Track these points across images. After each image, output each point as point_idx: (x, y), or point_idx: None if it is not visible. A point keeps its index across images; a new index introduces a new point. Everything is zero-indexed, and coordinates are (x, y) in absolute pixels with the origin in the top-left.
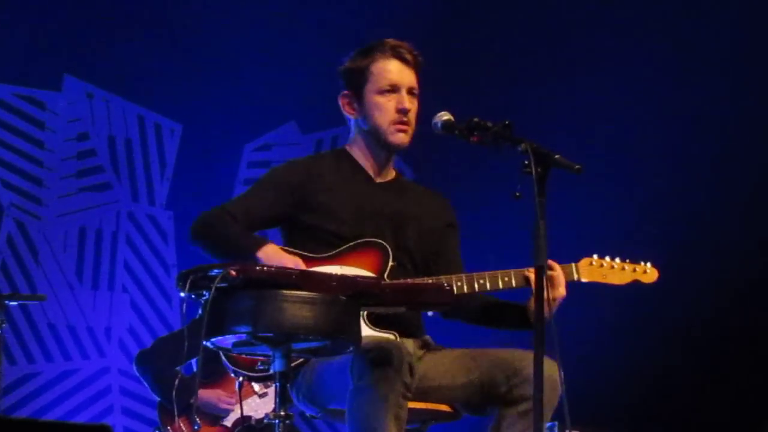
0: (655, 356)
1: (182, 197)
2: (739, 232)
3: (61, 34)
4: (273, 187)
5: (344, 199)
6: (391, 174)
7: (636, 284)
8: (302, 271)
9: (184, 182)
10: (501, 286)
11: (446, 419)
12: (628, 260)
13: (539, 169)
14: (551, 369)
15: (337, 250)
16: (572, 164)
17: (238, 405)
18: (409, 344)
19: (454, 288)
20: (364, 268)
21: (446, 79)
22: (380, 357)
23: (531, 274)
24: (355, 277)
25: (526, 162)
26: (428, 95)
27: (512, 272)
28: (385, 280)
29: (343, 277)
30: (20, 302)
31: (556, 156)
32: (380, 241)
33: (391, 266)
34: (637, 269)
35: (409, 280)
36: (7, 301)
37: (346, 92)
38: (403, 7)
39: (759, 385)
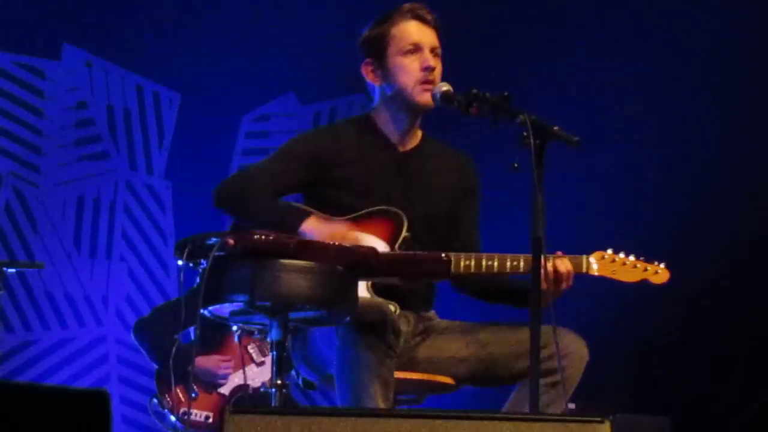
0: (657, 337)
1: (180, 167)
2: (745, 227)
3: (61, 2)
4: (298, 158)
5: (366, 170)
6: (417, 139)
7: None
8: (300, 241)
9: (183, 152)
10: (509, 269)
11: (444, 390)
12: (642, 258)
13: (537, 142)
14: (579, 345)
15: (352, 215)
16: (571, 137)
17: (236, 373)
18: (410, 317)
19: (462, 265)
20: (376, 236)
21: (447, 52)
22: (363, 319)
23: (549, 267)
24: (352, 247)
25: (525, 134)
26: None
27: (521, 257)
28: (394, 249)
29: (340, 247)
30: (18, 270)
31: (555, 128)
32: (396, 210)
33: (404, 237)
34: (648, 269)
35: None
36: (4, 269)
37: (368, 60)
38: None
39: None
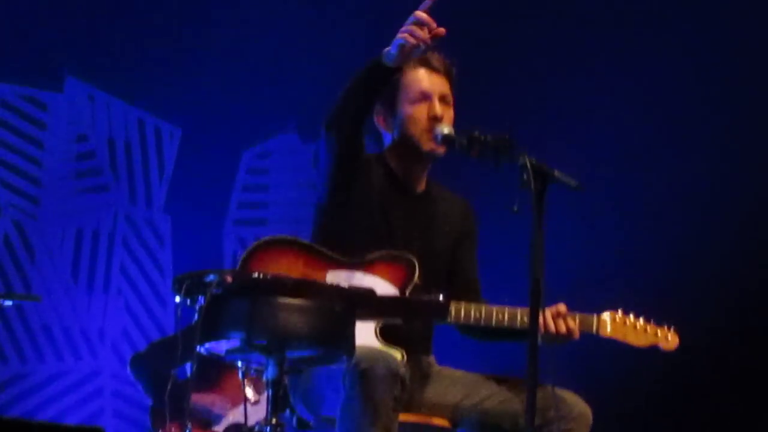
0: (659, 396)
1: (180, 201)
2: (746, 275)
3: (64, 35)
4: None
5: (382, 208)
6: (424, 183)
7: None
8: (298, 279)
9: (183, 186)
10: (519, 325)
11: None
12: (652, 321)
13: (538, 184)
14: (583, 408)
15: (366, 257)
16: (571, 180)
17: (231, 411)
18: (413, 362)
19: (471, 315)
20: (387, 280)
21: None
22: (372, 368)
23: (548, 316)
24: (349, 288)
25: (525, 176)
26: None
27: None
28: (404, 294)
29: (337, 287)
30: (15, 302)
31: (555, 171)
32: (410, 257)
33: (416, 284)
34: (659, 333)
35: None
36: (1, 301)
37: (380, 110)
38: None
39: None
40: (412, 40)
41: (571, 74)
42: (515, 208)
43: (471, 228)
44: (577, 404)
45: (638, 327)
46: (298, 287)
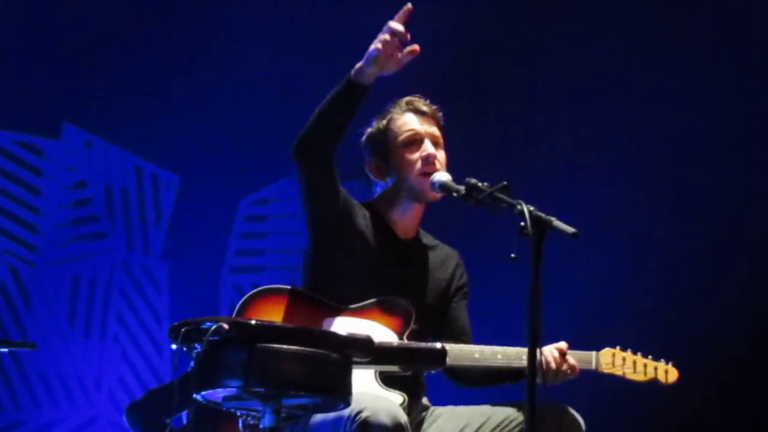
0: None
1: (177, 248)
2: (746, 316)
3: (61, 81)
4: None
5: (371, 255)
6: (414, 231)
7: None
8: (295, 327)
9: (180, 233)
10: (518, 364)
11: None
12: (650, 357)
13: (536, 232)
14: (577, 416)
15: (361, 304)
16: (568, 228)
17: None
18: (413, 407)
19: (471, 356)
20: (385, 326)
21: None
22: (375, 416)
23: (549, 355)
24: (347, 336)
25: (523, 224)
26: None
27: (521, 351)
28: (402, 339)
29: (334, 335)
30: (11, 349)
31: (553, 219)
32: (406, 303)
33: (413, 328)
34: (658, 368)
35: (404, 342)
36: None
37: (372, 159)
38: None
39: None
40: (387, 50)
41: (569, 123)
42: (514, 256)
43: (462, 278)
44: (568, 411)
45: (637, 362)
46: (296, 335)
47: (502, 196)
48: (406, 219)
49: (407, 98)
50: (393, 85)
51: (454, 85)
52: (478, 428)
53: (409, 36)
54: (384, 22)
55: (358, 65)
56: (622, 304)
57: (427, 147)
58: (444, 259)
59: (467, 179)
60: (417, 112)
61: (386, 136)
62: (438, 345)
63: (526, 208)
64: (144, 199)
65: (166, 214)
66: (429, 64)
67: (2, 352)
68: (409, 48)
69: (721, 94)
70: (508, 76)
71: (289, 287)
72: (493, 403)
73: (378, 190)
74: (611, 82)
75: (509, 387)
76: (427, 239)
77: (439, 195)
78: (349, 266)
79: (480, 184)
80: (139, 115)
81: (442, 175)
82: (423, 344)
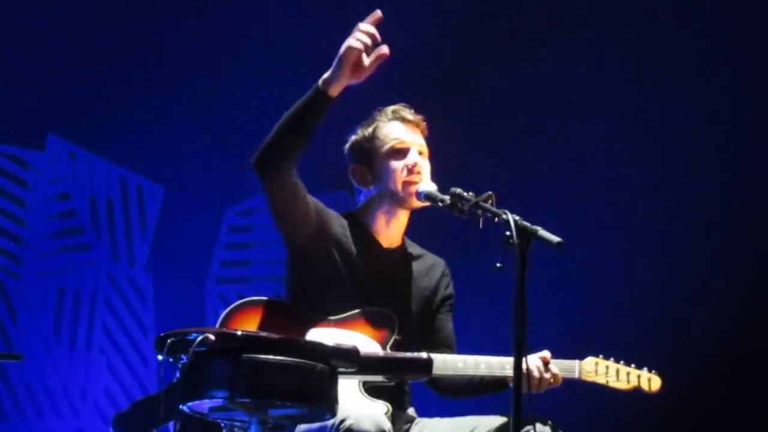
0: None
1: (162, 259)
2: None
3: (45, 93)
4: (311, 200)
5: (352, 265)
6: (399, 240)
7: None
8: (280, 338)
9: (165, 244)
10: (501, 374)
11: None
12: (633, 365)
13: (521, 242)
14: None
15: (344, 315)
16: (553, 238)
17: None
18: (397, 416)
19: (456, 365)
20: (369, 336)
21: (434, 150)
22: (358, 425)
23: (532, 364)
24: (333, 347)
25: (508, 233)
26: None
27: (504, 360)
28: (386, 350)
29: (320, 345)
30: None
31: (538, 229)
32: (389, 313)
33: (396, 339)
34: (641, 376)
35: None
36: None
37: (356, 165)
38: (395, 69)
39: None
40: (358, 45)
41: (555, 132)
42: (498, 265)
43: (448, 288)
44: (549, 423)
45: (620, 371)
46: (282, 345)
47: (487, 205)
48: (390, 227)
49: (393, 107)
50: (374, 93)
51: (437, 93)
52: None
53: (379, 38)
54: (349, 31)
55: (327, 74)
56: (608, 313)
57: (413, 156)
58: (429, 268)
59: (453, 189)
60: (403, 120)
61: (372, 143)
62: (424, 355)
63: (511, 218)
64: (129, 210)
65: (151, 225)
66: (412, 70)
67: None
68: (378, 51)
69: (711, 96)
70: (494, 82)
71: (270, 299)
72: (478, 415)
73: (361, 199)
74: (597, 87)
75: (494, 398)
76: (413, 248)
77: (423, 203)
78: (330, 277)
79: (465, 193)
80: (123, 126)
81: (428, 185)
82: (409, 354)
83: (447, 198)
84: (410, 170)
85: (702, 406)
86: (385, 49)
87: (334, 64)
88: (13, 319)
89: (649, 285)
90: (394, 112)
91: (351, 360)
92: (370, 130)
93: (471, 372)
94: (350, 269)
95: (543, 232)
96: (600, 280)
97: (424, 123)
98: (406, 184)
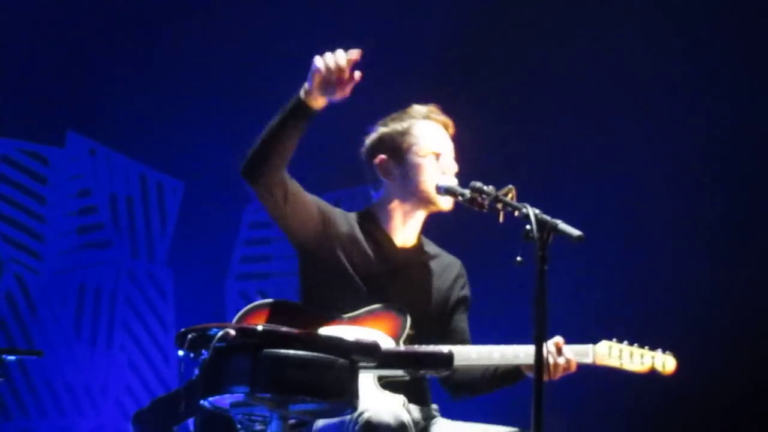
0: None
1: (182, 256)
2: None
3: (65, 90)
4: (317, 203)
5: (366, 264)
6: (416, 239)
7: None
8: (301, 333)
9: (185, 240)
10: (516, 361)
11: None
12: (647, 347)
13: (541, 235)
14: None
15: (357, 312)
16: (573, 232)
17: None
18: (415, 411)
19: (470, 355)
20: (382, 331)
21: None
22: (377, 416)
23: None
24: (353, 341)
25: (528, 227)
26: None
27: (520, 349)
28: (398, 345)
29: (341, 340)
30: (17, 357)
31: (558, 223)
32: (401, 307)
33: (409, 334)
34: (655, 358)
35: (409, 347)
36: (4, 356)
37: (383, 156)
38: (413, 66)
39: None
40: (321, 67)
41: (573, 127)
42: (519, 260)
43: (463, 289)
44: None
45: (634, 353)
46: (302, 340)
47: (507, 199)
48: (407, 225)
49: (428, 107)
50: (395, 86)
51: (457, 87)
52: None
53: (351, 64)
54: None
55: (306, 86)
56: (627, 305)
57: (450, 162)
58: (445, 268)
59: (472, 183)
60: (439, 123)
61: (405, 139)
62: (445, 349)
63: (531, 211)
64: (149, 206)
65: (171, 222)
66: (433, 64)
67: (9, 360)
68: (350, 77)
69: (728, 93)
70: (514, 77)
71: (277, 300)
72: (496, 426)
73: (379, 195)
74: (616, 81)
75: (513, 407)
76: (430, 247)
77: (449, 207)
78: (341, 275)
79: (485, 187)
80: (143, 122)
81: (448, 179)
82: (430, 349)
83: (467, 192)
84: (444, 175)
85: (725, 398)
86: (357, 76)
87: (308, 76)
88: (33, 315)
89: (669, 277)
90: (430, 112)
91: (371, 354)
92: (404, 125)
93: (484, 362)
94: (361, 267)
95: (563, 226)
96: (619, 273)
97: (453, 124)
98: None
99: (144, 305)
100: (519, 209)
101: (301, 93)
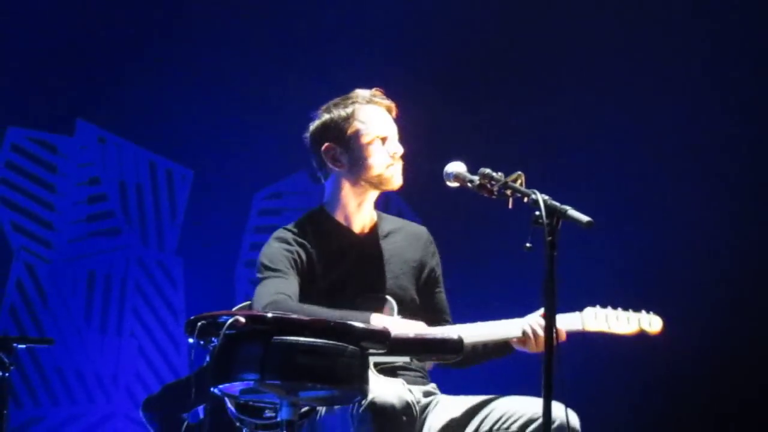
0: (658, 401)
1: (192, 243)
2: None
3: (74, 78)
4: (289, 263)
5: (333, 264)
6: (373, 219)
7: (642, 335)
8: (311, 320)
9: (195, 228)
10: (502, 336)
11: None
12: (630, 309)
13: (550, 221)
14: (562, 415)
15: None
16: (582, 218)
17: None
18: (416, 391)
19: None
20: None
21: (458, 126)
22: (381, 398)
23: (534, 323)
24: (363, 328)
25: (537, 213)
26: (440, 143)
27: (518, 322)
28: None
29: (351, 327)
30: (28, 345)
31: (567, 209)
32: (383, 296)
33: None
34: (641, 319)
35: (419, 334)
36: (15, 344)
37: (330, 144)
38: (417, 55)
39: None
40: None
41: (581, 112)
42: (528, 245)
43: (434, 257)
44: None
45: (619, 317)
46: (312, 328)
47: (516, 185)
48: (362, 209)
49: (369, 91)
50: (406, 79)
51: (466, 73)
52: (480, 422)
53: None
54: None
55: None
56: (636, 292)
57: (395, 144)
58: (411, 239)
59: (481, 169)
60: (382, 106)
61: (349, 124)
62: (455, 335)
63: (540, 198)
64: (158, 194)
65: (180, 210)
66: (441, 50)
67: (20, 349)
68: None
69: (751, 75)
70: (522, 62)
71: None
72: (496, 396)
73: (328, 185)
74: (626, 66)
75: (517, 379)
76: (389, 223)
77: (399, 185)
78: (317, 289)
79: (494, 174)
80: (152, 110)
81: (457, 166)
82: (439, 334)
83: (476, 178)
84: (392, 157)
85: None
86: None
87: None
88: (44, 303)
89: (679, 266)
90: (373, 96)
91: (382, 342)
92: (348, 111)
93: (473, 339)
94: (331, 271)
95: (572, 212)
96: (629, 259)
97: (394, 106)
98: (390, 168)
99: (154, 293)
100: (528, 195)
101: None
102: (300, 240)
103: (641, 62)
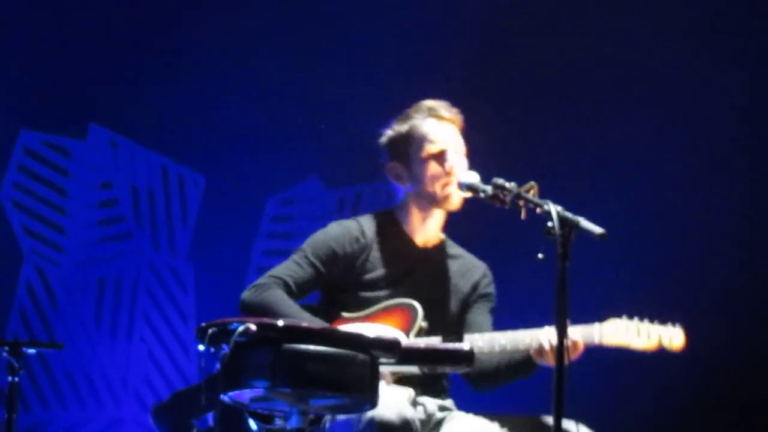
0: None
1: (203, 248)
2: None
3: (87, 82)
4: (320, 258)
5: (388, 267)
6: (437, 238)
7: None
8: (322, 328)
9: (206, 233)
10: (521, 347)
11: None
12: (655, 322)
13: (563, 232)
14: None
15: (369, 311)
16: (595, 229)
17: None
18: (429, 403)
19: (475, 348)
20: (390, 326)
21: (476, 142)
22: (379, 415)
23: (544, 339)
24: (373, 337)
25: (550, 224)
26: None
27: (534, 334)
28: (409, 338)
29: (361, 336)
30: (38, 350)
31: (580, 220)
32: (410, 301)
33: (421, 327)
34: (662, 335)
35: (429, 344)
36: (24, 349)
37: (393, 163)
38: (435, 62)
39: None
40: None
41: (596, 123)
42: (540, 256)
43: (487, 288)
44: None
45: (641, 330)
46: (322, 336)
47: (529, 196)
48: (426, 225)
49: (429, 103)
50: (417, 84)
51: (479, 85)
52: None
53: None
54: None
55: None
56: (651, 302)
57: (451, 159)
58: (468, 270)
59: (494, 179)
60: (440, 119)
61: (408, 141)
62: (466, 346)
63: (553, 208)
64: (170, 199)
65: (192, 215)
66: (454, 61)
67: (30, 353)
68: None
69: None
70: (537, 72)
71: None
72: (512, 416)
73: (400, 193)
74: (638, 77)
75: (533, 398)
76: (453, 248)
77: (459, 204)
78: (363, 281)
79: (507, 184)
80: (164, 115)
81: (470, 176)
82: (450, 345)
83: (489, 188)
84: (449, 174)
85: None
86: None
87: None
88: (54, 307)
89: (693, 275)
90: (430, 109)
91: (392, 350)
92: (406, 127)
93: (492, 347)
94: (387, 272)
95: (585, 223)
96: (643, 270)
97: (460, 117)
98: (445, 186)
99: (164, 298)
100: (541, 206)
101: None
102: (362, 235)
103: (668, 71)
